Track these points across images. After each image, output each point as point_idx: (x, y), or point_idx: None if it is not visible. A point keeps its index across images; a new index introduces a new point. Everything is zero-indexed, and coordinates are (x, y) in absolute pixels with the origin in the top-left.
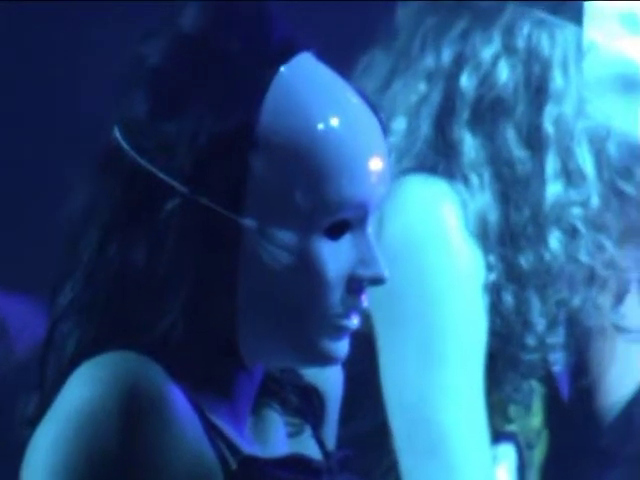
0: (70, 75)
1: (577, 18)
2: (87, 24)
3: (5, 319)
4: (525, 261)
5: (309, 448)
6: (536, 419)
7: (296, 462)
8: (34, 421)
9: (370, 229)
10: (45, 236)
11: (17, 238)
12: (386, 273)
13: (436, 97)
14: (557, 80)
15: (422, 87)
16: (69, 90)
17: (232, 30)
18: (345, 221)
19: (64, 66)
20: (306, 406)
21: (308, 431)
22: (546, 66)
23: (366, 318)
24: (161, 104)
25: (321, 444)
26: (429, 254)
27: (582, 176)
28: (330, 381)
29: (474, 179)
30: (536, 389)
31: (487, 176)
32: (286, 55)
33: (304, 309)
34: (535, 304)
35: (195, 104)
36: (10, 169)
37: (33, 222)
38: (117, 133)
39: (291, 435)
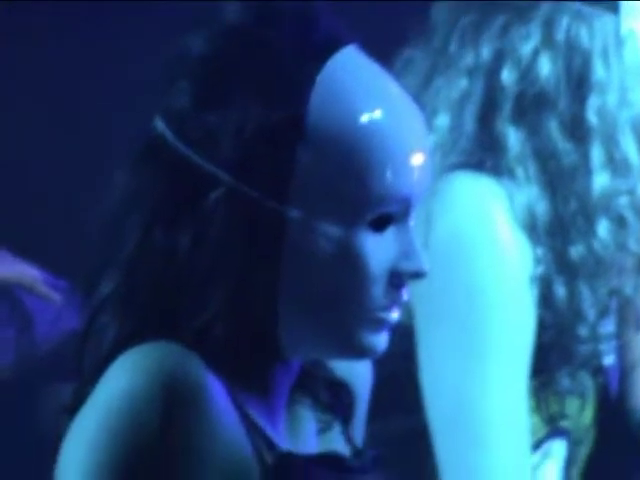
0: (114, 62)
1: (614, 7)
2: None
3: (30, 311)
4: (575, 252)
5: (337, 444)
6: (588, 414)
7: (331, 460)
8: (71, 410)
9: (413, 223)
10: (80, 227)
11: (54, 228)
12: (427, 268)
13: (478, 93)
14: (598, 71)
15: (463, 84)
16: (110, 78)
17: (278, 22)
18: (389, 214)
19: (110, 53)
20: (337, 402)
21: (337, 427)
22: (586, 57)
23: (408, 313)
24: (207, 94)
25: (350, 441)
26: (476, 250)
27: (628, 165)
28: (360, 377)
29: (520, 173)
30: (589, 383)
31: (533, 169)
32: (332, 48)
33: (346, 301)
34: (586, 294)
35: (241, 94)
36: (50, 157)
37: (70, 213)
38: (160, 122)
39: (320, 431)
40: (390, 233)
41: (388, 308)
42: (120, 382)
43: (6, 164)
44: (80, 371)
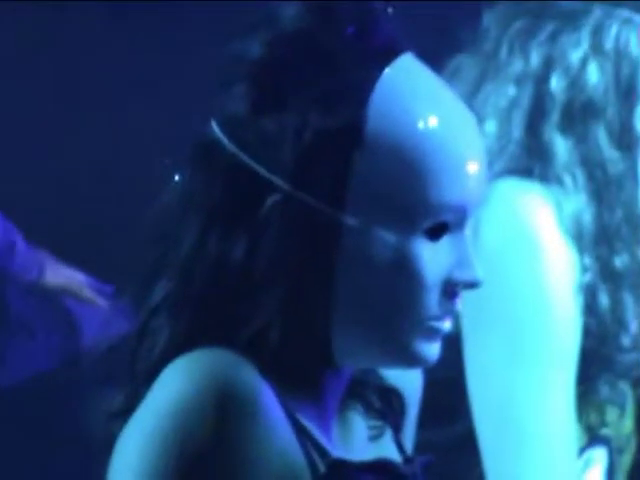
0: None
1: None
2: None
3: (77, 317)
4: (620, 262)
5: (388, 451)
6: (628, 423)
7: (383, 467)
8: (123, 415)
9: (468, 232)
10: (129, 232)
11: (102, 234)
12: (481, 277)
13: (526, 100)
14: None
15: (512, 91)
16: (164, 84)
17: (337, 27)
18: (444, 223)
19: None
20: (387, 408)
21: (387, 434)
22: (635, 66)
23: (457, 320)
24: (264, 98)
25: (402, 448)
26: (524, 258)
27: None
28: (411, 384)
29: (568, 180)
30: (628, 393)
31: (581, 177)
32: (390, 55)
33: (400, 310)
34: (630, 304)
35: (299, 99)
36: (100, 158)
37: (119, 217)
38: (215, 127)
39: (371, 438)
40: (445, 242)
41: (441, 317)
42: (172, 388)
43: (54, 163)
44: (133, 375)
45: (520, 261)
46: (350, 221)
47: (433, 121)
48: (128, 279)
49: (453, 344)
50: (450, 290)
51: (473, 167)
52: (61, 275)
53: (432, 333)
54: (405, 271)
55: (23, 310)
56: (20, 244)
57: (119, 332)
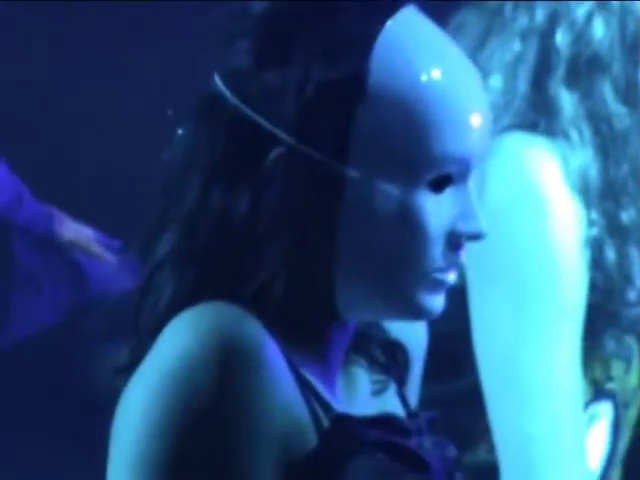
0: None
1: None
2: None
3: (85, 271)
4: (626, 216)
5: (392, 406)
6: (634, 378)
7: (387, 422)
8: (128, 370)
9: (472, 184)
10: (135, 186)
11: (109, 188)
12: (485, 229)
13: (532, 55)
14: None
15: (517, 46)
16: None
17: None
18: (448, 175)
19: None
20: (391, 362)
21: (391, 389)
22: None
23: (463, 274)
24: (267, 51)
25: (405, 403)
26: (530, 211)
27: None
28: (415, 338)
29: (574, 135)
30: (634, 347)
31: (587, 132)
32: (393, 8)
33: (404, 262)
34: (636, 259)
35: (302, 52)
36: (105, 113)
37: (124, 173)
38: (218, 81)
39: (375, 392)
40: (449, 194)
41: (446, 269)
42: (176, 343)
43: (59, 120)
44: (137, 330)
45: (526, 215)
46: (353, 174)
47: (436, 73)
48: (135, 234)
49: (460, 297)
50: (454, 242)
51: (476, 118)
52: (69, 229)
53: (436, 285)
54: (409, 223)
55: (30, 263)
56: (28, 198)
57: (126, 287)
